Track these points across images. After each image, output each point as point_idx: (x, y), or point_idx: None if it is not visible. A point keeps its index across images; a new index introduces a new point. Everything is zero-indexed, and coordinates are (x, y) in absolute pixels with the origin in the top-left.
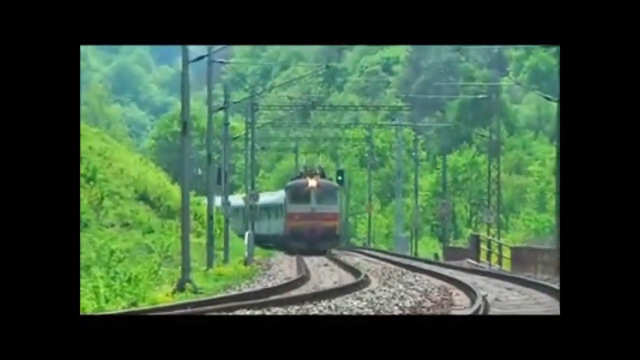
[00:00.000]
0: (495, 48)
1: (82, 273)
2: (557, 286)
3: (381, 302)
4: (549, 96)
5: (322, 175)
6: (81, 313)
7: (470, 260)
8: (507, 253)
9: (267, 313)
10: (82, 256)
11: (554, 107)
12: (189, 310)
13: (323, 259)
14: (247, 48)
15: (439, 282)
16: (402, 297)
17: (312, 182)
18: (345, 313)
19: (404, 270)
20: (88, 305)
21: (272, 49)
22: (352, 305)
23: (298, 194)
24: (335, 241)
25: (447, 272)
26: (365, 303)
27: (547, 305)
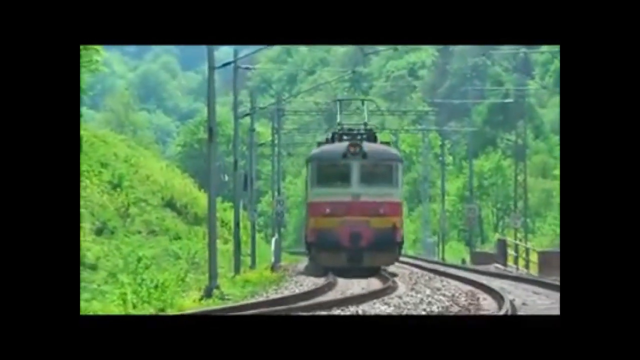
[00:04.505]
0: (521, 52)
1: (108, 279)
2: None
3: (408, 307)
4: None
5: (372, 138)
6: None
7: (498, 265)
8: (534, 257)
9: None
10: (108, 263)
11: None
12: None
13: None
14: (273, 54)
15: (466, 287)
16: (429, 302)
17: (354, 148)
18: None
19: (432, 275)
20: (115, 312)
21: (297, 55)
22: (379, 310)
23: (329, 170)
24: (395, 253)
25: (474, 276)
26: (392, 308)
27: None
